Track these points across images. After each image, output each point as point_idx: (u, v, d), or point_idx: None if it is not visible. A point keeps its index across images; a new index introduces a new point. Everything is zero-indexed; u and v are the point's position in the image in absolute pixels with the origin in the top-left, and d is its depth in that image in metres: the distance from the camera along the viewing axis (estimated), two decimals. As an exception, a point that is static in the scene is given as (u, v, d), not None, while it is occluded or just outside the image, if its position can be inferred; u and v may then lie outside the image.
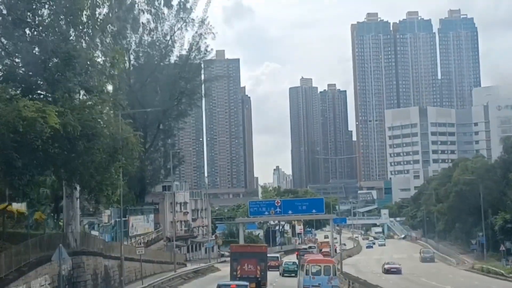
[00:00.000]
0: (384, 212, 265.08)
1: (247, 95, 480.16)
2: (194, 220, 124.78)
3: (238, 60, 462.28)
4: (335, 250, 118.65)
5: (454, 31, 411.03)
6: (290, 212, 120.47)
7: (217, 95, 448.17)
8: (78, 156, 40.06)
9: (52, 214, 63.60)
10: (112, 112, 49.07)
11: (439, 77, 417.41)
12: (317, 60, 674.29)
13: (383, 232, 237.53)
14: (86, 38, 42.93)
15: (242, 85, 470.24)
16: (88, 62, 42.49)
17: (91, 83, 43.66)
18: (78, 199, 51.65)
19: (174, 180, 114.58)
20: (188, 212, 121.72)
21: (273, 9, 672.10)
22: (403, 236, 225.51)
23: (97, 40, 46.27)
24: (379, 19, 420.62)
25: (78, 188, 48.18)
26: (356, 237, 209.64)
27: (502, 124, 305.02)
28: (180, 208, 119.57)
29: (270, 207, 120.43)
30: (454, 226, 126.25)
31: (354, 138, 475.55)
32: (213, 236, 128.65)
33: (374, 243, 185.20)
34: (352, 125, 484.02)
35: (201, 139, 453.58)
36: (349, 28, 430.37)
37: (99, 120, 41.72)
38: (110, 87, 52.34)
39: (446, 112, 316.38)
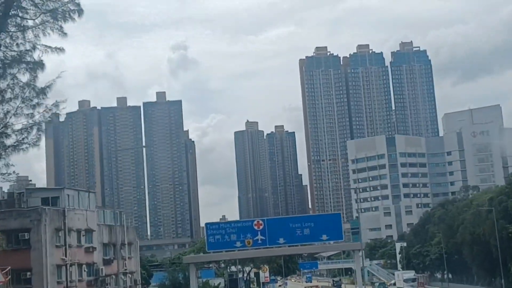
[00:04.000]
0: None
1: (190, 139, 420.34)
2: (108, 262, 64.13)
3: (180, 102, 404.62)
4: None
5: (407, 64, 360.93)
6: (281, 240, 61.50)
7: (159, 139, 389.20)
8: None
9: None
10: None
11: (394, 111, 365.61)
12: (264, 108, 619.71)
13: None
14: None
15: (185, 129, 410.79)
16: None
17: None
18: None
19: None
20: (95, 249, 61.14)
21: (218, 60, 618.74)
22: (393, 282, 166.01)
23: None
24: (328, 53, 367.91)
25: None
26: None
27: (478, 152, 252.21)
28: (79, 240, 59.14)
29: (245, 232, 61.26)
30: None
31: (304, 181, 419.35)
32: (141, 290, 68.22)
33: None
34: (301, 168, 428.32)
35: (142, 186, 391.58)
36: (297, 63, 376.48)
37: None
38: None
39: (416, 141, 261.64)
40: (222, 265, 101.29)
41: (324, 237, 61.73)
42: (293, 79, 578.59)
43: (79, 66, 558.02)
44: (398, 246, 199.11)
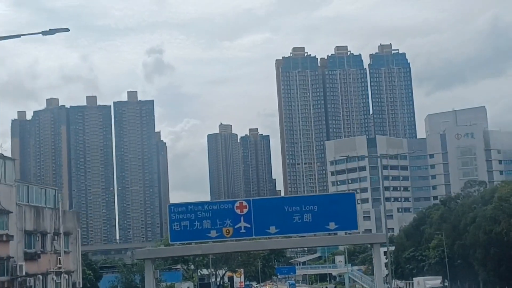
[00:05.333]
0: (340, 259, 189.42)
1: (162, 141, 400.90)
2: (32, 257, 45.52)
3: (152, 102, 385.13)
4: None
5: (386, 67, 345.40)
6: (272, 229, 43.78)
7: (129, 139, 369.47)
8: None
9: None
10: None
11: (371, 114, 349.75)
12: (239, 114, 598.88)
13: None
14: None
15: (157, 130, 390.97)
16: None
17: None
18: None
19: None
20: (11, 237, 42.48)
21: (193, 66, 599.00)
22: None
23: None
24: (306, 54, 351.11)
25: None
26: None
27: (462, 155, 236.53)
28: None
29: (224, 218, 43.42)
30: None
31: (278, 186, 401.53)
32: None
33: None
34: (275, 173, 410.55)
35: (111, 188, 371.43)
36: (273, 70, 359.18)
37: None
38: None
39: (397, 142, 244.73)
40: (192, 266, 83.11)
41: (332, 225, 43.98)
42: (268, 86, 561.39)
43: (53, 68, 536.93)
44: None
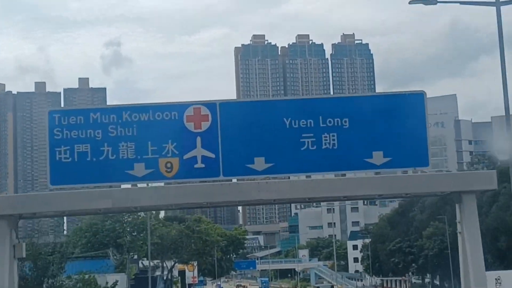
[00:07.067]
0: (303, 253, 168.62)
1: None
2: None
3: (104, 89, 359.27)
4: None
5: (349, 57, 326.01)
6: (258, 163, 20.98)
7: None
8: None
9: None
10: None
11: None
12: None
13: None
14: None
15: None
16: None
17: None
18: None
19: None
20: None
21: (152, 60, 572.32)
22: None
23: None
24: (266, 42, 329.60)
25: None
26: None
27: (431, 146, 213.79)
28: None
29: (163, 137, 20.44)
30: None
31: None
32: None
33: None
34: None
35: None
36: (233, 51, 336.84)
37: None
38: None
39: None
40: (127, 255, 59.91)
41: (377, 157, 21.45)
42: (227, 82, 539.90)
43: (7, 59, 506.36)
44: (350, 244, 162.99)
